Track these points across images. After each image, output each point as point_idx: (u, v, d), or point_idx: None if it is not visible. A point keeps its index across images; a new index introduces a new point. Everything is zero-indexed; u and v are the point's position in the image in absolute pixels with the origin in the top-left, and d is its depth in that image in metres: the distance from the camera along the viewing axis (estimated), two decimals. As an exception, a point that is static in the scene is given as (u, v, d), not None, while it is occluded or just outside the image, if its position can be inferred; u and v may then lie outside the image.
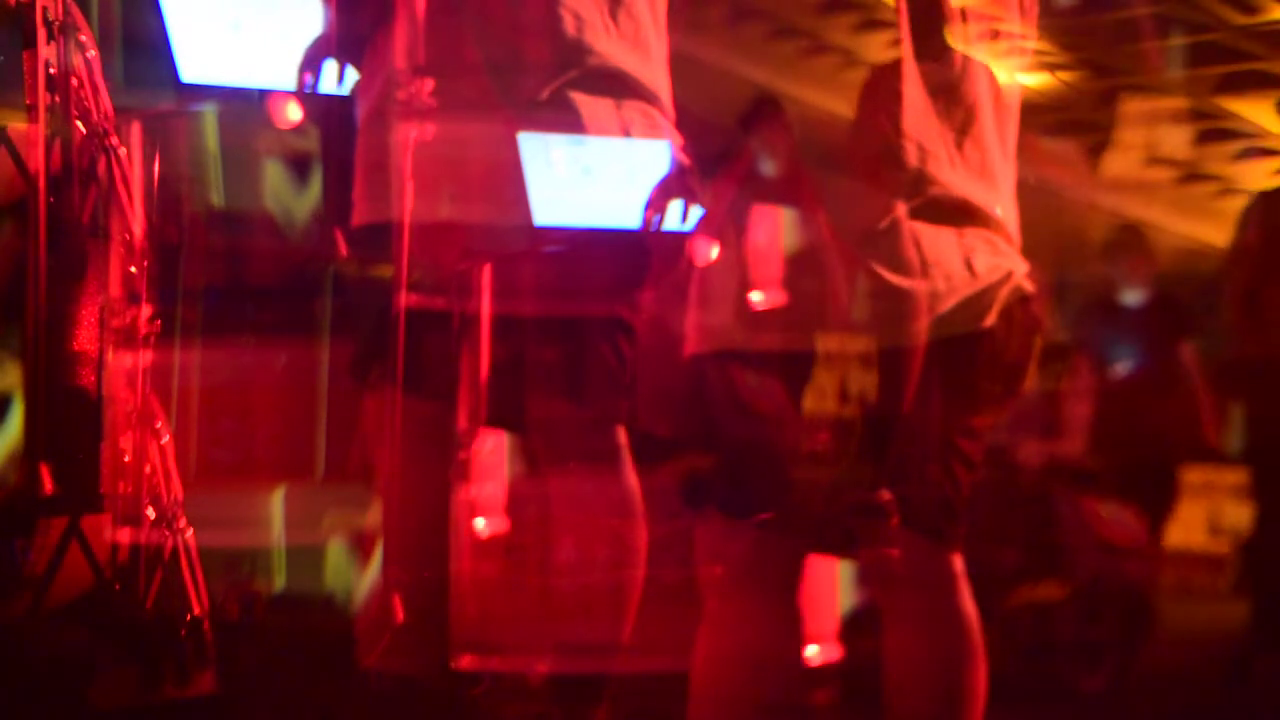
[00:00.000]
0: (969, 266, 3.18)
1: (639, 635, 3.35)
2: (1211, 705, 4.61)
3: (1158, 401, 5.43)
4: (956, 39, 3.30)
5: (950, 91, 3.26)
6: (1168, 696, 4.73)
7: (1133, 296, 5.71)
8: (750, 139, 4.47)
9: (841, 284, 3.27)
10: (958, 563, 3.19)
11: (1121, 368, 5.63)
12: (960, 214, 3.21)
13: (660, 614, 3.42)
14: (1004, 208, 3.28)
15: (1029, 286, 3.26)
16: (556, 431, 3.35)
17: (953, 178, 3.20)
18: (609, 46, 3.28)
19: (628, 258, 3.36)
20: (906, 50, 3.23)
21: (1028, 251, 3.32)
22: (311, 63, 3.29)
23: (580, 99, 3.24)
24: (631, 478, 3.33)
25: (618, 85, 3.29)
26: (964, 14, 3.32)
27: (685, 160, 3.37)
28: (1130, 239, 5.82)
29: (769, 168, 4.44)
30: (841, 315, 3.28)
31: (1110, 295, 5.75)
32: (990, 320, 3.17)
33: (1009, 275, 3.21)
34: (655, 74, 3.37)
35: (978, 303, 3.18)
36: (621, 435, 3.37)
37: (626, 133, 3.30)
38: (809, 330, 3.35)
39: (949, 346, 3.15)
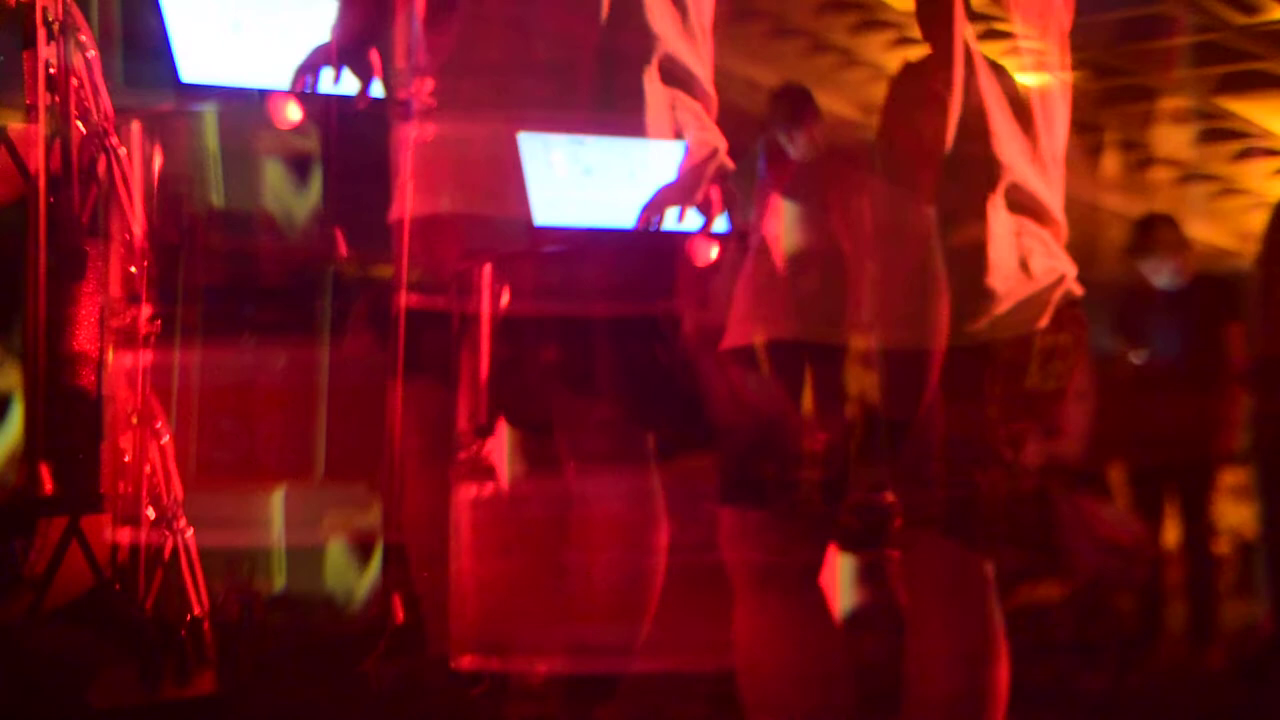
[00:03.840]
0: (1024, 267, 3.14)
1: (643, 634, 3.36)
2: (1212, 705, 4.61)
3: (1201, 392, 5.32)
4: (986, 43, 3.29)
5: (1010, 93, 3.24)
6: (1168, 696, 4.73)
7: (1168, 281, 5.57)
8: (775, 130, 4.46)
9: (864, 282, 3.25)
10: (990, 569, 3.16)
11: (1163, 356, 5.50)
12: (1025, 210, 3.17)
13: (662, 613, 3.42)
14: (1059, 207, 3.25)
15: (1078, 289, 3.22)
16: (586, 433, 3.36)
17: (1026, 173, 3.17)
18: (676, 42, 3.30)
19: (665, 260, 3.38)
20: (975, 51, 3.20)
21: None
22: (312, 63, 3.29)
23: (648, 89, 3.25)
24: (655, 480, 3.34)
25: (678, 79, 3.31)
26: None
27: (729, 164, 3.38)
28: (1162, 224, 5.72)
29: (795, 158, 4.42)
30: (864, 313, 3.26)
31: (1144, 283, 5.62)
32: (1043, 323, 3.13)
33: (1062, 278, 3.18)
34: (706, 71, 3.39)
35: (1032, 305, 3.14)
36: (650, 439, 3.38)
37: (678, 132, 3.31)
38: (835, 328, 3.33)
39: (1002, 349, 3.12)
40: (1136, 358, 5.55)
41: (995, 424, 3.14)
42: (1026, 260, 3.15)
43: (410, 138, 3.32)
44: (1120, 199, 8.27)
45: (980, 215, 3.12)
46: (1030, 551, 4.80)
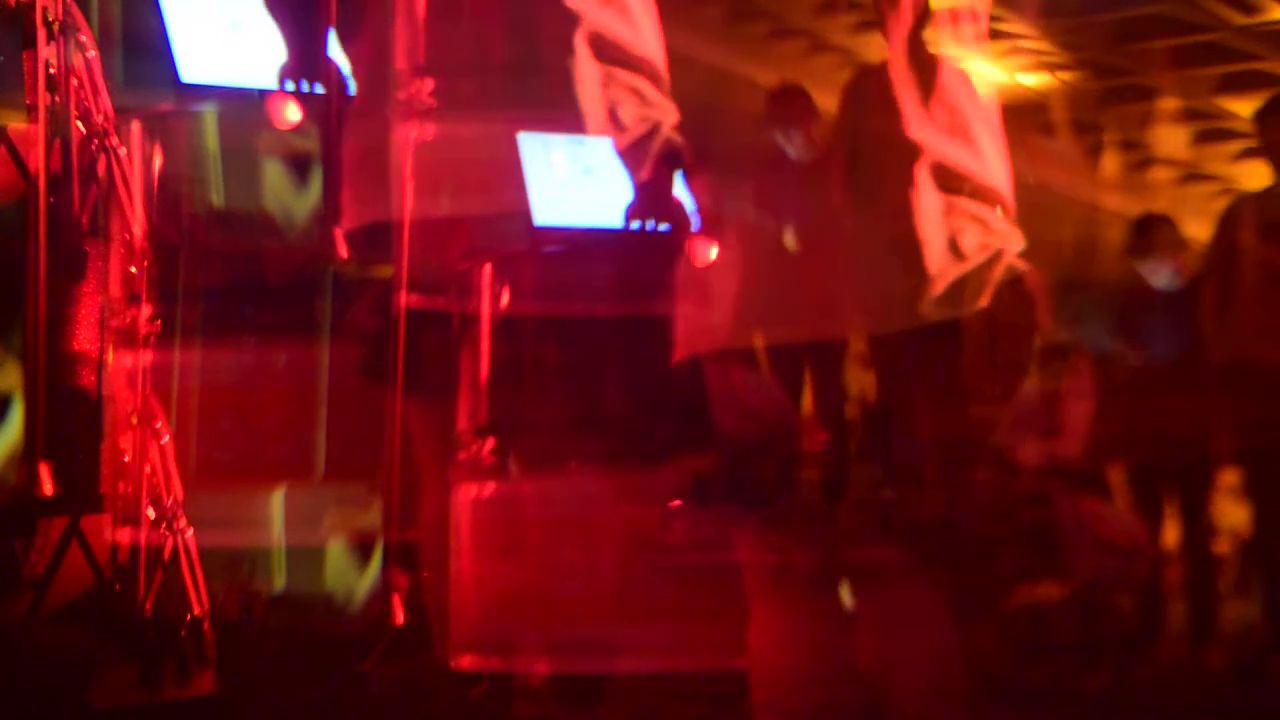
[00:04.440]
0: (954, 246, 3.13)
1: (643, 634, 3.36)
2: (1211, 705, 4.61)
3: (1200, 392, 5.31)
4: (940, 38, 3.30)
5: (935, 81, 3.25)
6: (1168, 696, 4.73)
7: (1167, 282, 5.58)
8: (773, 128, 4.44)
9: (851, 276, 3.24)
10: (932, 578, 3.16)
11: (1162, 357, 5.51)
12: (953, 188, 3.17)
13: (662, 613, 3.42)
14: (998, 178, 3.23)
15: (1021, 265, 3.20)
16: (587, 432, 3.36)
17: (951, 151, 3.17)
18: (603, 16, 3.27)
19: (634, 257, 3.37)
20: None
21: (1029, 251, 3.30)
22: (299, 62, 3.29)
23: (575, 67, 3.23)
24: (658, 479, 3.35)
25: (610, 55, 3.28)
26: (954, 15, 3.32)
27: (676, 139, 3.35)
28: (1160, 225, 5.73)
29: (792, 156, 4.40)
30: (848, 309, 3.25)
31: (1142, 284, 5.62)
32: (982, 304, 3.12)
33: (999, 254, 3.17)
34: (648, 42, 3.35)
35: (968, 285, 3.13)
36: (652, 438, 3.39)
37: (613, 109, 3.28)
38: (823, 325, 3.32)
39: (940, 334, 3.11)
40: (1135, 358, 5.55)
41: (944, 414, 3.14)
42: (956, 239, 3.14)
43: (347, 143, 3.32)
44: (1120, 199, 8.27)
45: (904, 197, 3.13)
46: (1030, 551, 4.79)
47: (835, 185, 3.37)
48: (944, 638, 3.12)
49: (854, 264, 3.17)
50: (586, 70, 3.26)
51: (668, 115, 3.35)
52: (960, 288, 3.11)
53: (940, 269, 3.10)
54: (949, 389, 3.14)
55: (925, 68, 3.26)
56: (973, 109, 3.25)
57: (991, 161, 3.24)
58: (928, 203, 3.13)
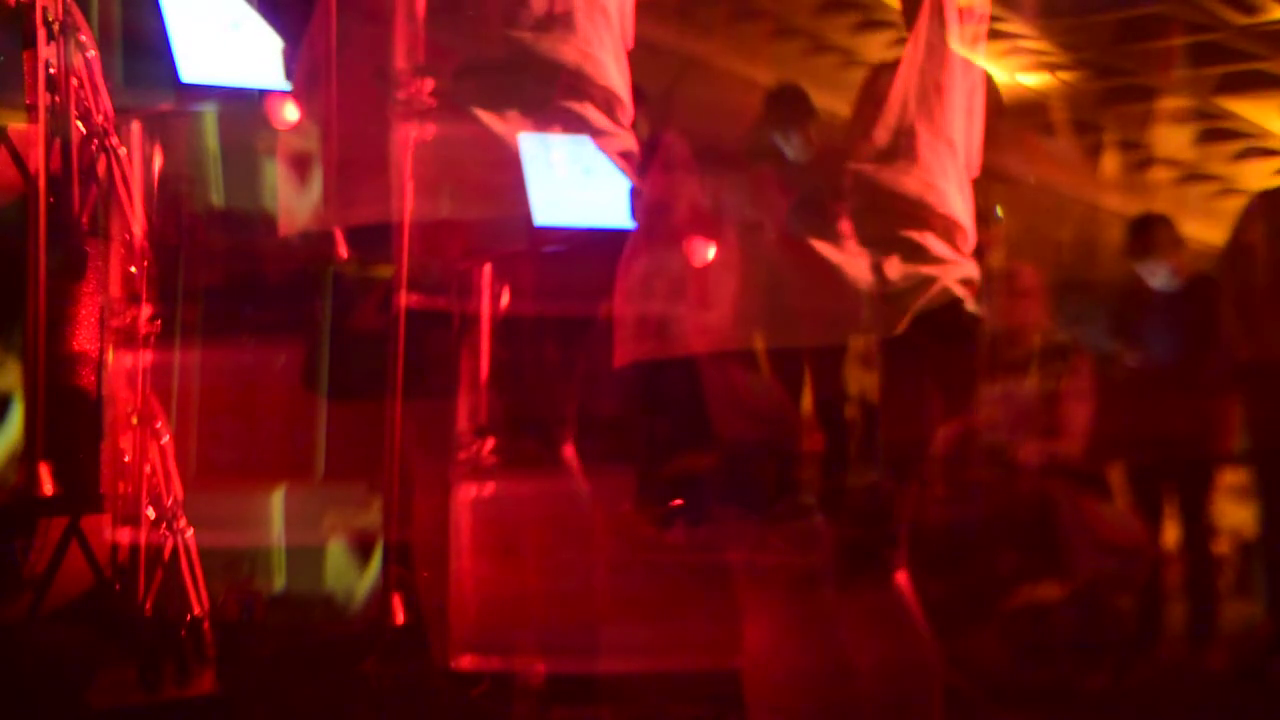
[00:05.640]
0: (879, 272, 3.13)
1: (642, 634, 3.36)
2: (1211, 705, 4.61)
3: (1199, 392, 5.30)
4: (952, 38, 3.29)
5: (916, 89, 3.24)
6: (1168, 696, 4.73)
7: (1165, 282, 5.57)
8: (771, 129, 4.44)
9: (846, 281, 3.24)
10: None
11: (1160, 357, 5.51)
12: (889, 215, 3.17)
13: (662, 613, 3.42)
14: (958, 206, 3.22)
15: (961, 292, 3.20)
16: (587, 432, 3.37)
17: (891, 176, 3.17)
18: (538, 37, 3.26)
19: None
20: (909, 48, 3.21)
21: (1029, 251, 3.30)
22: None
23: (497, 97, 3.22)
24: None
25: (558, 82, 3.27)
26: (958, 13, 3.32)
27: (622, 166, 3.33)
28: (1158, 225, 5.72)
29: (790, 156, 4.41)
30: (848, 309, 3.25)
31: (1141, 284, 5.61)
32: (900, 329, 3.13)
33: (927, 282, 3.17)
34: (599, 68, 3.34)
35: (887, 310, 3.13)
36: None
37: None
38: (822, 326, 3.33)
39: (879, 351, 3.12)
40: (1133, 358, 5.55)
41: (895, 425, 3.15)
42: (881, 265, 3.14)
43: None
44: (1120, 199, 8.26)
45: (826, 220, 3.13)
46: (1030, 551, 4.79)
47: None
48: (922, 640, 3.12)
49: (763, 275, 3.17)
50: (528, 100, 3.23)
51: (613, 143, 3.34)
52: (879, 310, 3.11)
53: (859, 292, 3.11)
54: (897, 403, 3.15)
55: (931, 71, 3.25)
56: (962, 121, 3.24)
57: (949, 187, 3.23)
58: (850, 226, 3.14)
